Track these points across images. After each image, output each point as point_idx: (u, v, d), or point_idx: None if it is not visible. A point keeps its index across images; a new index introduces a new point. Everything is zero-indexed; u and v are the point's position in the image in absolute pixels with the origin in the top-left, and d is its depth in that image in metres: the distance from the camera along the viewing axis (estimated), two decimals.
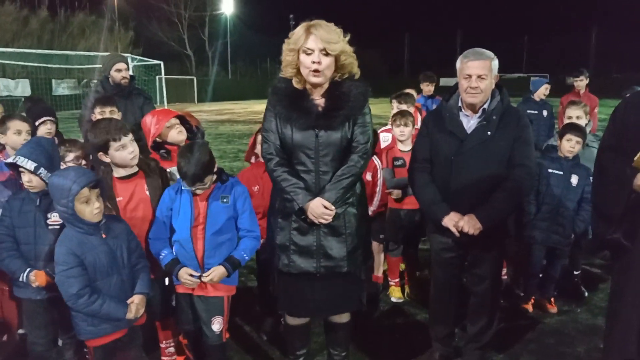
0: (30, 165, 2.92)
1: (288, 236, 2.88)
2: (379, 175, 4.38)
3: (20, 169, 2.96)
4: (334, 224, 2.82)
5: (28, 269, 2.96)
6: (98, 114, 4.39)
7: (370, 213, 4.34)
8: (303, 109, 2.75)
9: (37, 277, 2.95)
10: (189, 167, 2.85)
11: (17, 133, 3.81)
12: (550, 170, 4.12)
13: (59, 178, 2.67)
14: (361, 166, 2.83)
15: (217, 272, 2.96)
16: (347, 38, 2.76)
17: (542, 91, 7.44)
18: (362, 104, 2.82)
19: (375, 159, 4.39)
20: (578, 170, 4.12)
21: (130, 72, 5.53)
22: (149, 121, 3.58)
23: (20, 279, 2.96)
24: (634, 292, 2.44)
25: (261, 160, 3.26)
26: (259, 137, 3.75)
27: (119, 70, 5.16)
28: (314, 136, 2.77)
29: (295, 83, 2.80)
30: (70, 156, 3.47)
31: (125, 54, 26.56)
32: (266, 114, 2.90)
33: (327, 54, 2.66)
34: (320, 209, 2.74)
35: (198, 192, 2.95)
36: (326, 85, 2.79)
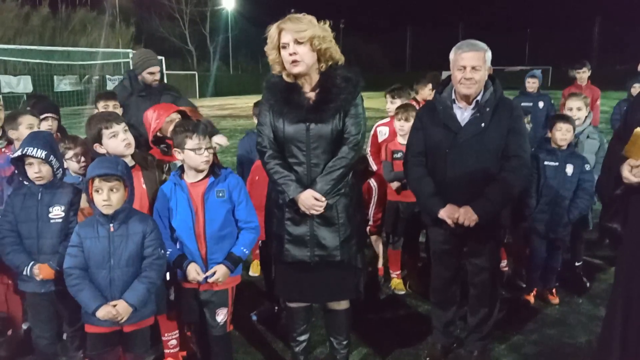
0: (41, 153, 2.97)
1: (282, 226, 2.95)
2: (373, 194, 4.42)
3: (28, 162, 2.99)
4: (327, 214, 2.88)
5: (32, 263, 2.99)
6: (101, 107, 4.40)
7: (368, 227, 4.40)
8: (294, 103, 2.82)
9: (40, 271, 2.99)
10: (196, 124, 3.00)
11: (29, 127, 3.85)
12: (546, 163, 4.13)
13: (92, 163, 2.83)
14: (352, 157, 2.87)
15: (219, 272, 2.98)
16: (323, 25, 2.81)
17: (527, 85, 7.47)
18: (353, 96, 2.86)
19: (371, 181, 4.44)
20: (573, 159, 4.12)
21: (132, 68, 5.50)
22: (150, 116, 3.60)
23: (25, 273, 3.00)
24: (622, 281, 2.46)
25: None
26: None
27: (151, 73, 4.95)
28: (305, 129, 2.83)
29: (286, 77, 2.87)
30: (70, 153, 3.49)
31: (127, 50, 26.60)
32: (261, 108, 2.99)
33: (300, 43, 2.73)
34: (310, 200, 2.81)
35: (209, 153, 2.95)
36: (316, 77, 2.85)
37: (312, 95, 2.85)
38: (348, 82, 2.83)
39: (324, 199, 2.82)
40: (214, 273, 2.98)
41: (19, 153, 2.98)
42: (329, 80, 2.83)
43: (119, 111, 4.44)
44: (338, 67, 2.87)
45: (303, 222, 2.91)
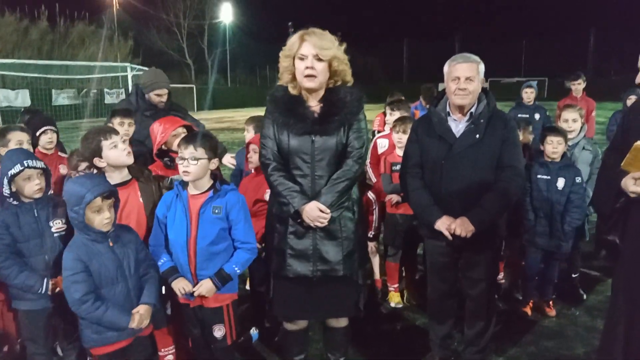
0: (41, 163, 3.00)
1: (285, 240, 2.92)
2: (373, 206, 4.45)
3: (26, 176, 2.95)
4: (330, 227, 2.86)
5: (45, 279, 2.98)
6: (117, 124, 4.34)
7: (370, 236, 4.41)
8: (299, 115, 2.83)
9: (58, 284, 2.98)
10: (195, 133, 3.01)
11: (19, 144, 3.85)
12: (539, 176, 4.16)
13: (75, 185, 2.71)
14: (356, 170, 2.88)
15: (204, 287, 2.95)
16: (343, 47, 2.84)
17: (524, 95, 7.54)
18: (357, 110, 2.88)
19: (369, 194, 4.47)
20: (565, 172, 4.13)
21: (130, 82, 5.45)
22: (156, 129, 3.63)
23: (40, 291, 2.98)
24: (623, 294, 2.46)
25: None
26: (251, 146, 3.81)
27: (159, 95, 4.90)
28: (309, 141, 2.83)
29: (291, 89, 2.89)
30: (83, 166, 3.50)
31: (125, 64, 26.66)
32: (264, 121, 2.98)
33: (320, 60, 2.75)
34: (315, 212, 2.79)
35: (191, 164, 2.87)
36: (321, 92, 2.87)
37: (316, 108, 2.86)
38: (352, 97, 2.85)
39: (328, 210, 2.80)
40: (197, 289, 2.96)
41: (19, 168, 2.93)
42: (333, 95, 2.85)
43: (132, 130, 4.43)
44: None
45: (306, 236, 2.89)
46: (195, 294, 2.96)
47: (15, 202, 3.00)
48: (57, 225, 3.08)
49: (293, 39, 2.80)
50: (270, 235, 3.04)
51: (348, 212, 2.93)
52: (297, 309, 3.07)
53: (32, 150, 4.13)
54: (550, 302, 4.40)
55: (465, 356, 3.54)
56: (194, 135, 3.03)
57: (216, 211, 2.94)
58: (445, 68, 3.19)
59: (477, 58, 3.16)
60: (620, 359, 2.44)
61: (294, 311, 3.10)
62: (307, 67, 2.75)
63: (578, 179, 4.12)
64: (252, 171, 3.91)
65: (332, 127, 2.82)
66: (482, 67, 3.15)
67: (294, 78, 2.85)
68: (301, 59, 2.77)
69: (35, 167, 2.97)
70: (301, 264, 2.90)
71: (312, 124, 2.82)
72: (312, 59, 2.75)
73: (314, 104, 2.87)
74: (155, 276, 2.98)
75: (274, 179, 2.88)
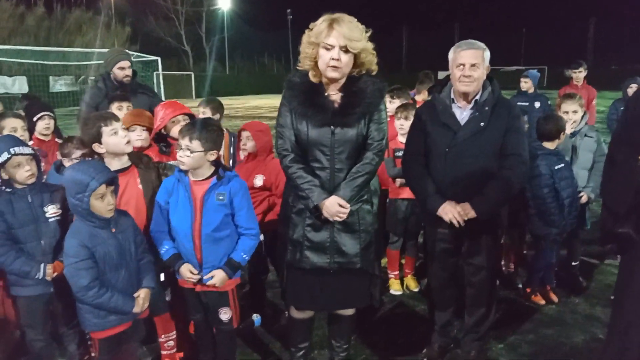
0: (28, 149, 2.97)
1: (302, 232, 2.84)
2: None
3: (16, 163, 2.92)
4: (348, 220, 2.80)
5: (42, 264, 2.97)
6: (115, 109, 4.27)
7: None
8: (319, 106, 2.72)
9: (55, 269, 2.98)
10: (194, 123, 2.96)
11: (12, 131, 3.81)
12: (556, 167, 4.08)
13: (77, 172, 2.67)
14: (376, 163, 2.80)
15: (217, 277, 2.96)
16: (369, 34, 2.71)
17: (521, 85, 7.52)
18: (378, 101, 2.79)
19: None
20: (562, 155, 4.21)
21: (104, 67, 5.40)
22: (157, 113, 3.63)
23: (37, 277, 2.97)
24: (639, 285, 2.44)
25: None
26: (244, 133, 3.77)
27: (122, 68, 4.90)
28: (329, 133, 2.73)
29: (312, 76, 2.77)
30: (78, 153, 3.47)
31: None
32: (281, 109, 2.85)
33: (347, 51, 2.63)
34: (335, 207, 2.71)
35: (185, 155, 2.84)
36: (343, 81, 2.75)
37: (337, 98, 2.75)
38: (373, 87, 2.75)
39: (348, 205, 2.74)
40: (212, 277, 2.96)
41: (6, 156, 2.89)
42: (355, 84, 2.74)
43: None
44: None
45: (324, 228, 2.82)
46: (209, 283, 2.95)
47: (8, 190, 2.98)
48: (51, 211, 3.05)
49: (321, 26, 2.63)
50: (285, 226, 2.95)
51: (366, 204, 2.87)
52: (311, 300, 3.01)
53: (27, 136, 4.11)
54: (550, 289, 4.39)
55: (465, 343, 3.54)
56: (193, 125, 2.94)
57: (220, 197, 2.91)
58: (450, 54, 3.15)
59: (482, 45, 3.10)
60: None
61: (307, 302, 3.04)
62: (332, 59, 2.61)
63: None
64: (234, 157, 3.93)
65: (353, 119, 2.72)
66: (487, 53, 3.09)
67: (315, 65, 2.71)
68: (327, 48, 2.62)
69: (23, 154, 2.93)
70: (318, 256, 2.84)
71: (332, 115, 2.70)
72: (338, 50, 2.60)
73: (334, 93, 2.76)
74: (152, 260, 2.99)
75: (292, 171, 2.78)
